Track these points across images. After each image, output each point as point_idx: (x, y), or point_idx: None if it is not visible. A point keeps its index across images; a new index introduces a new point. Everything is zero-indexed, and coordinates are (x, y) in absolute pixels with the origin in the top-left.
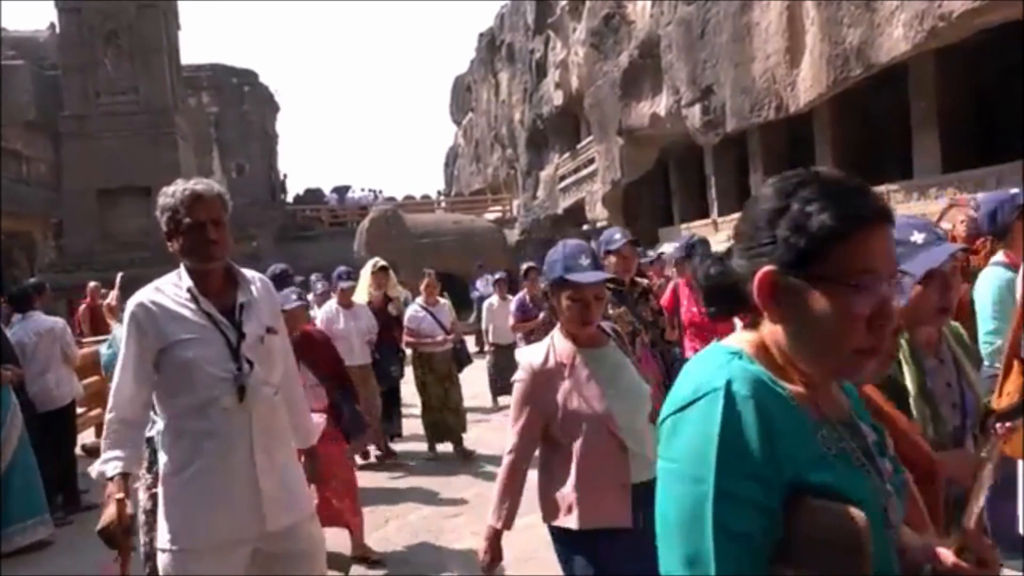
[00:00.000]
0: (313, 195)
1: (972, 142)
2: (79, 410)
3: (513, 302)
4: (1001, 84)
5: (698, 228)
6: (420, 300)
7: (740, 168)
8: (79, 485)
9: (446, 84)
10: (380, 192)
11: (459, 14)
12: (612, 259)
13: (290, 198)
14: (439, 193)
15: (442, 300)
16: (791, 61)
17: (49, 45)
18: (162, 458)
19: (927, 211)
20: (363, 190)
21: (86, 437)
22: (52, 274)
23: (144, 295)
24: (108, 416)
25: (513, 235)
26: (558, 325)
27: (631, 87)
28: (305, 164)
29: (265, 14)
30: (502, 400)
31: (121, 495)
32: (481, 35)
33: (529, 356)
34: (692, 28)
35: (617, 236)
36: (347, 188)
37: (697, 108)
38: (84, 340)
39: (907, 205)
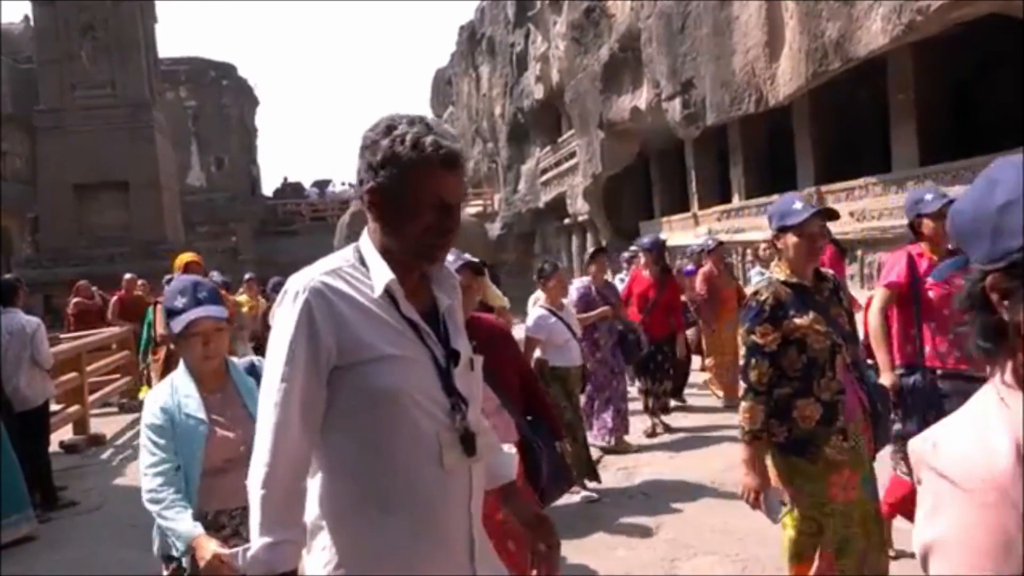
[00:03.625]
0: (294, 189)
1: (949, 135)
2: (56, 407)
3: (573, 291)
4: (978, 77)
5: (678, 222)
6: (542, 302)
7: (720, 161)
8: (56, 482)
9: (426, 77)
10: None
11: (440, 7)
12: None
13: (268, 192)
14: None
15: (563, 301)
16: (771, 55)
17: (24, 38)
18: (321, 544)
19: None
20: (344, 184)
21: (64, 434)
22: (29, 270)
23: (317, 275)
24: (262, 472)
25: (495, 229)
26: (1011, 367)
27: (612, 81)
28: (285, 158)
29: (244, 7)
30: None
31: None
32: (461, 28)
33: (972, 441)
34: (672, 22)
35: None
36: (328, 182)
37: (677, 102)
38: (84, 333)
39: (885, 198)
